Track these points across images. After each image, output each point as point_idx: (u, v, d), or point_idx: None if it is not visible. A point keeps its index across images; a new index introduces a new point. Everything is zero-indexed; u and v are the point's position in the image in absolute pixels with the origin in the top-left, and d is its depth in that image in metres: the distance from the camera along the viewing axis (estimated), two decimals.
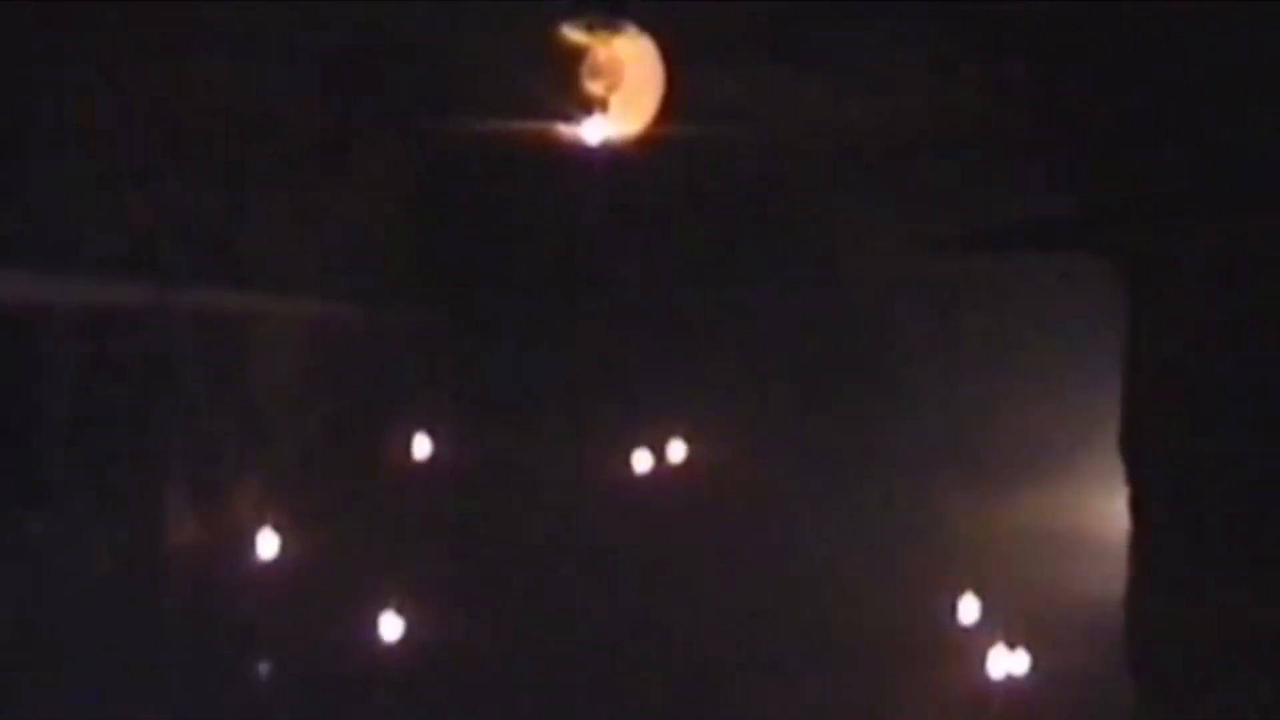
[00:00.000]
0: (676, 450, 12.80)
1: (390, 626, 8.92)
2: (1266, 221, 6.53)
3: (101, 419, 8.26)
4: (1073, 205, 8.48)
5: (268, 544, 9.22)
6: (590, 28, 6.03)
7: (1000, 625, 9.78)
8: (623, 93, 6.15)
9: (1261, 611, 6.63)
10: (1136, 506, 7.92)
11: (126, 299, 8.27)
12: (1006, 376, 11.41)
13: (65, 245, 7.68)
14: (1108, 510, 9.25)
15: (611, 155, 6.53)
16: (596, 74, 6.08)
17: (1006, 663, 9.01)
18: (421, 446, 11.79)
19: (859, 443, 11.98)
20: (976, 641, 9.46)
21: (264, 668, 8.58)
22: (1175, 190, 6.97)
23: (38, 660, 7.58)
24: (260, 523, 9.28)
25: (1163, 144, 7.03)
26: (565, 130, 6.26)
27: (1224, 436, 6.94)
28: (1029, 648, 9.06)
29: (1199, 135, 6.72)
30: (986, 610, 9.85)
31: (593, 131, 6.25)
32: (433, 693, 8.44)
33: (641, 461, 12.72)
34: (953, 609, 9.95)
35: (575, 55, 6.04)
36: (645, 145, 6.45)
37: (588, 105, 6.12)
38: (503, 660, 9.04)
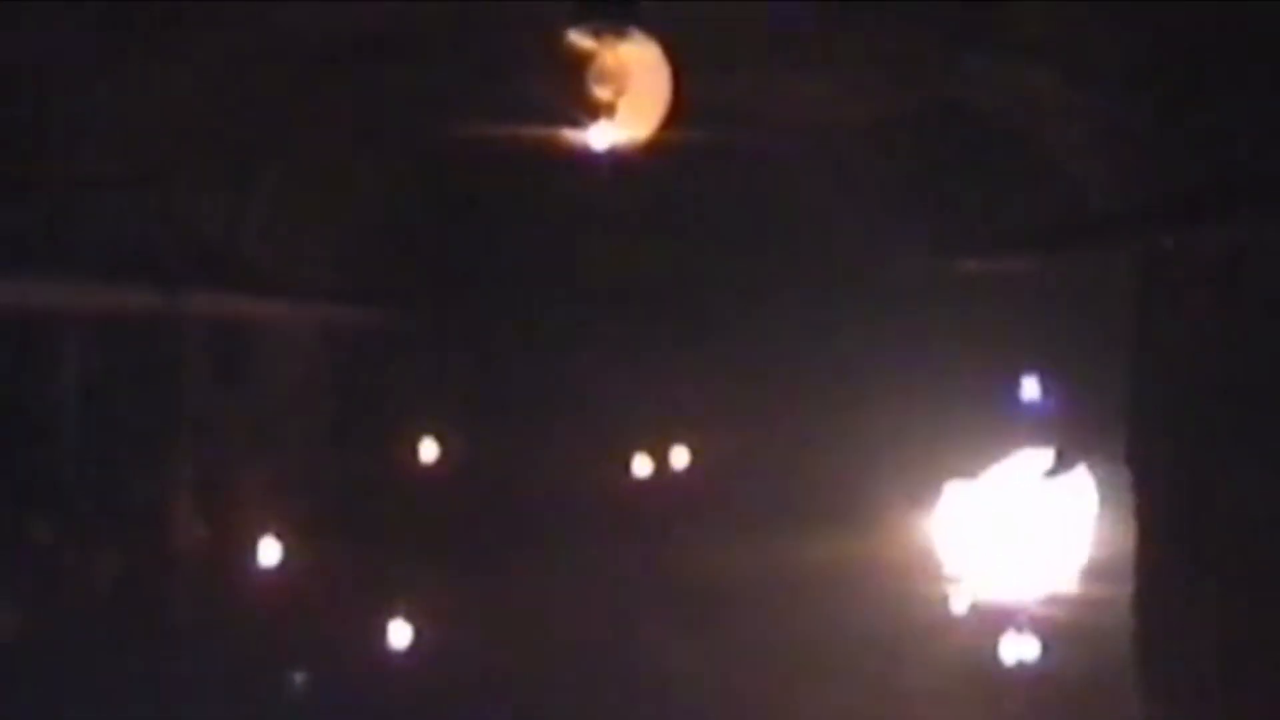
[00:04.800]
0: (679, 456, 12.88)
1: (399, 633, 8.98)
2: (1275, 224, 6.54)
3: (109, 424, 8.26)
4: (1088, 208, 8.49)
5: (275, 550, 9.23)
6: (597, 33, 6.03)
7: (990, 614, 9.91)
8: (629, 98, 6.14)
9: (1263, 617, 6.65)
10: (1141, 512, 7.95)
11: (134, 304, 8.26)
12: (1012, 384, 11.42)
13: (73, 250, 7.68)
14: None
15: (618, 160, 6.54)
16: (603, 79, 6.07)
17: (1018, 648, 9.18)
18: (428, 451, 11.86)
19: (860, 449, 12.00)
20: (978, 627, 9.63)
21: (271, 674, 8.58)
22: (1188, 193, 6.97)
23: (44, 664, 7.58)
24: (268, 528, 9.30)
25: (1177, 146, 7.03)
26: (572, 135, 6.26)
27: (1228, 444, 6.94)
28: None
29: (1210, 138, 6.72)
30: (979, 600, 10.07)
31: (599, 137, 6.26)
32: (439, 697, 8.45)
33: (642, 466, 12.79)
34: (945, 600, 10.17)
35: (582, 61, 6.04)
36: (652, 150, 6.45)
37: (594, 110, 6.12)
38: (507, 665, 9.05)
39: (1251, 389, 6.73)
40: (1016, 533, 11.07)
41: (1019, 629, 9.46)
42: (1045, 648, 9.33)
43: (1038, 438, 11.06)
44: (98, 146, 7.90)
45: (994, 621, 9.90)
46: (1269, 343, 6.61)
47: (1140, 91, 7.27)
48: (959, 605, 10.34)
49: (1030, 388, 11.25)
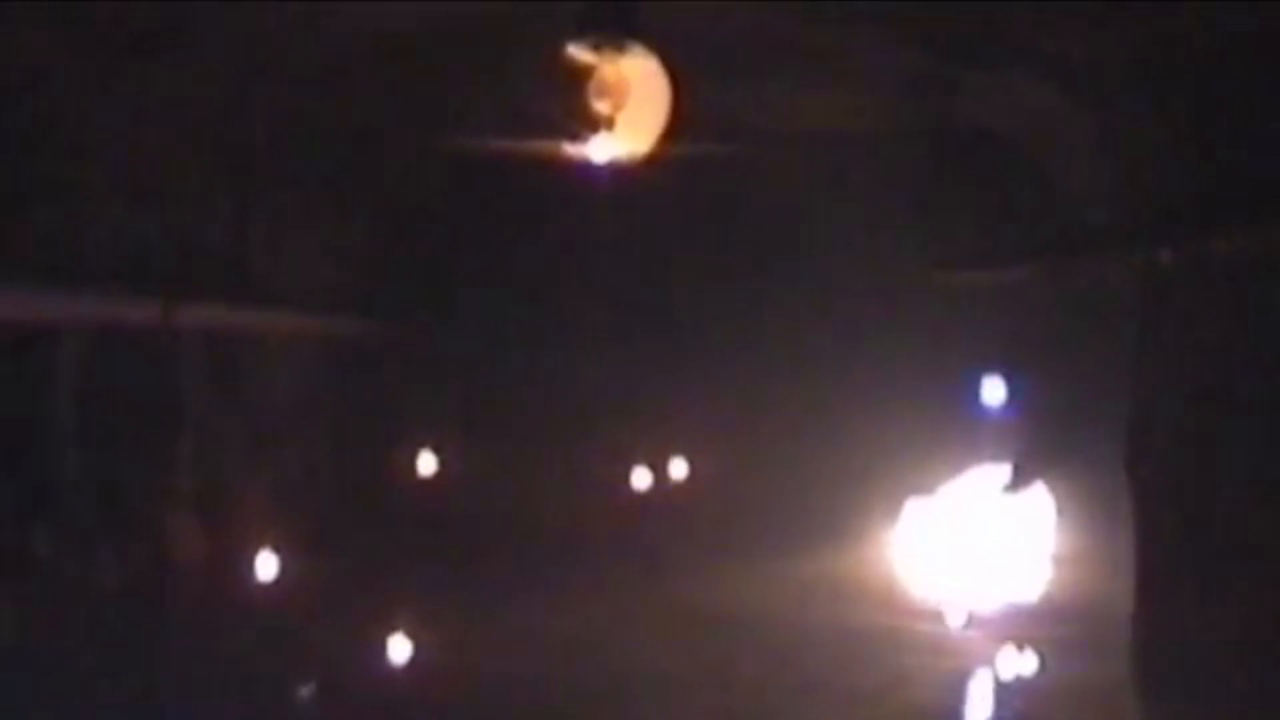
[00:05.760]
0: (678, 467, 12.89)
1: (398, 647, 8.99)
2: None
3: (107, 435, 8.26)
4: (1088, 220, 8.51)
5: (272, 562, 9.24)
6: (597, 47, 6.04)
7: (988, 627, 9.94)
8: (629, 111, 6.16)
9: (1265, 623, 6.66)
10: (1141, 520, 7.95)
11: (132, 315, 8.26)
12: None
13: (72, 260, 7.68)
14: None
15: (617, 173, 6.55)
16: (603, 93, 6.08)
17: (1016, 664, 9.23)
18: (427, 463, 11.87)
19: (850, 461, 11.99)
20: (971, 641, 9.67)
21: (269, 688, 8.56)
22: (1189, 204, 6.98)
23: (41, 674, 7.58)
24: (266, 540, 9.29)
25: (1178, 158, 7.04)
26: (572, 149, 6.27)
27: (1230, 452, 6.95)
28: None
29: (1211, 149, 6.73)
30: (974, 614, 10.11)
31: (599, 150, 6.27)
32: (439, 712, 8.44)
33: (641, 478, 12.81)
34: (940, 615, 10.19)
35: (582, 74, 6.05)
36: (651, 163, 6.46)
37: (594, 124, 6.13)
38: (507, 678, 9.04)
39: (1253, 397, 6.74)
40: (981, 547, 11.12)
41: (1019, 646, 9.48)
42: (1038, 660, 9.36)
43: (999, 450, 11.13)
44: (97, 157, 7.89)
45: (987, 637, 9.92)
46: (1270, 352, 6.62)
47: (1141, 104, 7.28)
48: (953, 621, 10.37)
49: (992, 396, 11.33)
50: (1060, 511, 10.57)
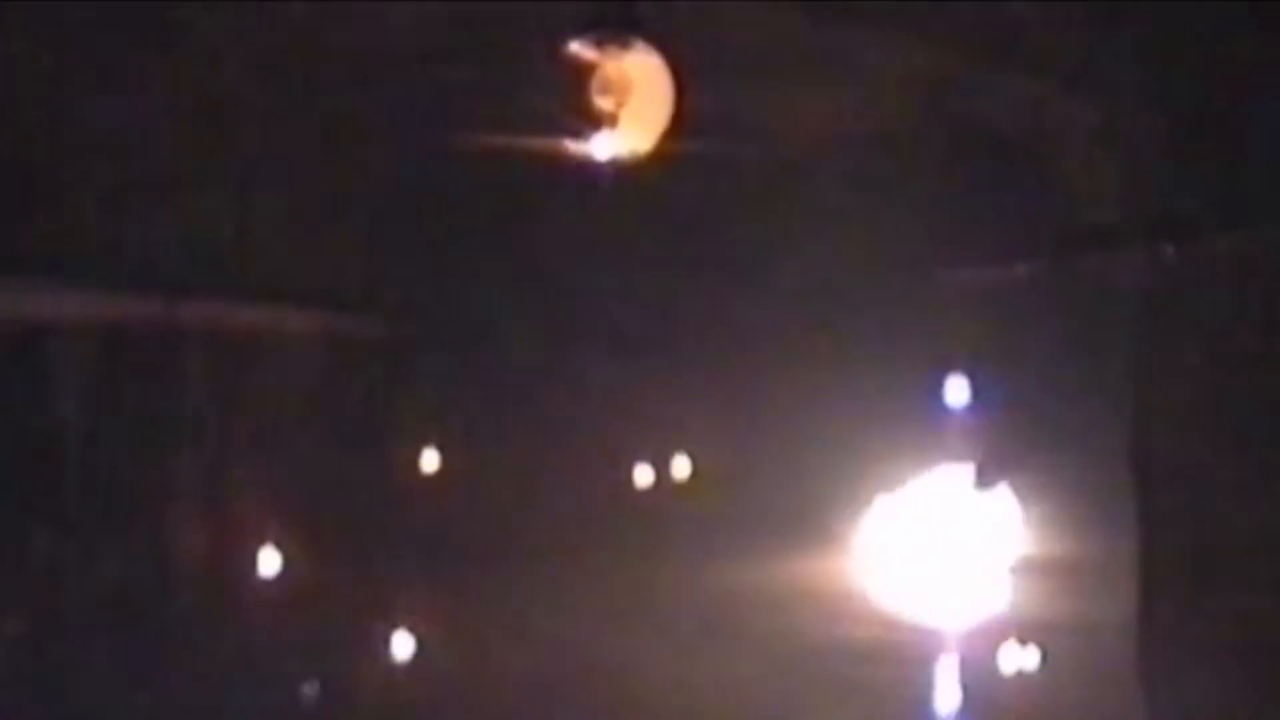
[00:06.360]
0: (681, 465, 12.88)
1: (401, 644, 9.00)
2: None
3: (110, 433, 8.27)
4: (1092, 218, 8.51)
5: (275, 560, 9.24)
6: (600, 44, 6.04)
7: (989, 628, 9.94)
8: (631, 109, 6.15)
9: (1263, 620, 6.67)
10: (1144, 519, 7.95)
11: (134, 313, 8.27)
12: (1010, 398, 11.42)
13: (74, 260, 7.69)
14: None
15: (619, 170, 6.55)
16: (606, 90, 6.08)
17: (1018, 658, 9.24)
18: (430, 461, 11.87)
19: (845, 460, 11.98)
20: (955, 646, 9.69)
21: (272, 684, 8.57)
22: (1193, 203, 7.00)
23: (45, 672, 7.59)
24: (269, 537, 9.30)
25: (1182, 157, 7.05)
26: (574, 146, 6.26)
27: (1230, 451, 6.96)
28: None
29: (1215, 148, 6.74)
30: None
31: (602, 147, 6.26)
32: (442, 708, 8.45)
33: (644, 476, 12.79)
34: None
35: (584, 71, 6.05)
36: (654, 161, 6.46)
37: (597, 121, 6.12)
38: (509, 675, 9.05)
39: (1255, 395, 6.75)
40: (952, 547, 11.10)
41: (1021, 641, 9.50)
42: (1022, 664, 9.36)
43: (980, 449, 11.12)
44: (98, 156, 7.90)
45: (987, 634, 9.92)
46: (1272, 350, 6.63)
47: (1144, 102, 7.29)
48: (936, 627, 10.37)
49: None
50: (1055, 511, 10.57)
